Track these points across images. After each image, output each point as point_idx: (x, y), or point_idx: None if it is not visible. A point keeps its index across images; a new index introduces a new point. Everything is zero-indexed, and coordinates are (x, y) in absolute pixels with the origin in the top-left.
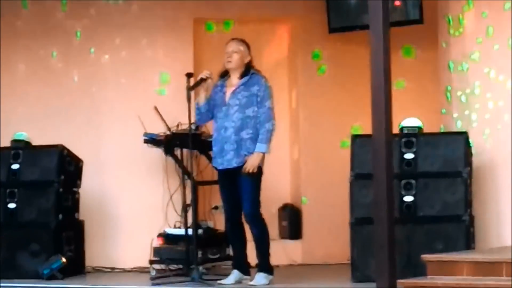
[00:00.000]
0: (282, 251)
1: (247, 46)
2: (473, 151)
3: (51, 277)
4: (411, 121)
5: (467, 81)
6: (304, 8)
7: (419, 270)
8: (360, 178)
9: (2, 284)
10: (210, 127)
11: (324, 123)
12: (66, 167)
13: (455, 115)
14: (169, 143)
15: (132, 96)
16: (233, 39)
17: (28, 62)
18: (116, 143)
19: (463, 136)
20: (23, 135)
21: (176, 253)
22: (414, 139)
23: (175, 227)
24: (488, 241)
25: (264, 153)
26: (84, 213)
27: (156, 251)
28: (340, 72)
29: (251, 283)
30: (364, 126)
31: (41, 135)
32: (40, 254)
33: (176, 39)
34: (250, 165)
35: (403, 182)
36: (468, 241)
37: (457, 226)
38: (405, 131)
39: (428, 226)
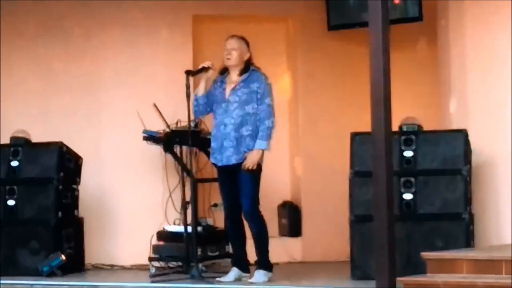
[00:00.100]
0: (281, 248)
1: (246, 43)
2: (473, 149)
3: (50, 274)
4: (411, 119)
5: (467, 79)
6: (304, 6)
7: (419, 268)
8: (359, 175)
9: (1, 281)
10: (209, 125)
11: (323, 120)
12: (66, 164)
13: (455, 112)
14: (168, 140)
15: (132, 93)
16: (232, 36)
17: (27, 60)
18: (115, 140)
19: (463, 133)
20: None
21: (175, 250)
22: (413, 137)
23: (174, 224)
24: (488, 239)
25: (263, 150)
26: (83, 211)
27: (156, 248)
28: (339, 70)
29: (251, 280)
30: (364, 124)
31: (40, 132)
32: (40, 251)
33: (175, 37)
34: (250, 161)
35: (403, 180)
36: (467, 239)
37: (456, 224)
38: (405, 129)
39: (427, 224)
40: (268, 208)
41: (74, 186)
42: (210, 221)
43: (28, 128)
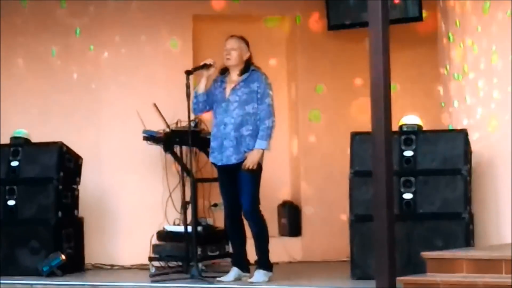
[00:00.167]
0: (281, 248)
1: (246, 42)
2: (473, 148)
3: (50, 274)
4: (411, 119)
5: (466, 78)
6: (304, 6)
7: (419, 267)
8: (359, 175)
9: (1, 281)
10: (209, 125)
11: (323, 120)
12: (66, 164)
13: (454, 111)
14: (168, 140)
15: (131, 93)
16: (231, 36)
17: (27, 59)
18: (115, 140)
19: (463, 133)
20: (23, 132)
21: (175, 250)
22: (413, 137)
23: (174, 224)
24: (488, 238)
25: (264, 150)
26: (83, 210)
27: (156, 248)
28: (339, 70)
29: (251, 280)
30: (364, 124)
31: (40, 132)
32: (40, 251)
33: (175, 36)
34: (250, 161)
35: (403, 179)
36: (467, 239)
37: (456, 223)
38: (405, 129)
39: (427, 224)
40: (268, 208)
41: (74, 186)
42: (210, 221)
43: (28, 128)
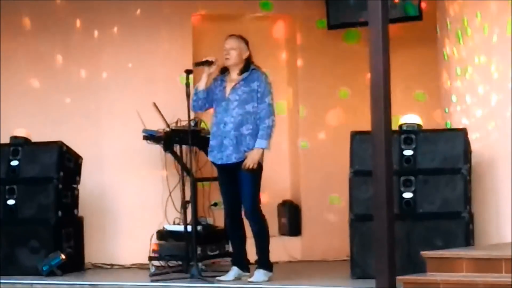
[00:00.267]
0: (281, 247)
1: (245, 42)
2: (473, 147)
3: (50, 274)
4: (411, 118)
5: (466, 78)
6: (303, 5)
7: (419, 266)
8: (359, 174)
9: (1, 281)
10: (209, 124)
11: (323, 119)
12: (66, 163)
13: (454, 111)
14: (168, 139)
15: (131, 92)
16: (230, 36)
17: (28, 58)
18: (115, 139)
19: (463, 132)
20: (23, 131)
21: (175, 250)
22: (413, 136)
23: (174, 223)
24: (488, 237)
25: (264, 149)
26: (83, 210)
27: (155, 247)
28: (339, 69)
29: (251, 279)
30: (364, 123)
31: (40, 132)
32: (40, 250)
33: (175, 36)
34: (250, 161)
35: (403, 178)
36: (467, 238)
37: (456, 222)
38: (405, 128)
39: (427, 223)
40: (268, 207)
41: (74, 186)
42: (210, 220)
43: (28, 127)
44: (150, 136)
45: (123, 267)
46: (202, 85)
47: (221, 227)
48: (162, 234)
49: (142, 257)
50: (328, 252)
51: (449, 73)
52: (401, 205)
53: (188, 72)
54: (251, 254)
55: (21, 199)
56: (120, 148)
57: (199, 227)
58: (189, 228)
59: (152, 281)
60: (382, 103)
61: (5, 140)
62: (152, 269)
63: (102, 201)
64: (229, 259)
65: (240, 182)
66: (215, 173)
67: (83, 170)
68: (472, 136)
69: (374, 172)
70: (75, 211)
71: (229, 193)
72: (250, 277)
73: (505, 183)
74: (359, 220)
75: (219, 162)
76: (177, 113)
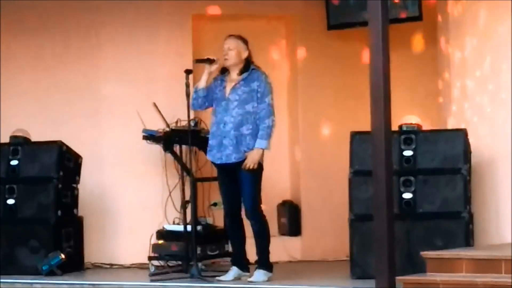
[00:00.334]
0: (281, 247)
1: (244, 41)
2: (472, 147)
3: (50, 273)
4: (410, 118)
5: (466, 77)
6: (303, 5)
7: (419, 267)
8: (359, 174)
9: (1, 280)
10: (209, 124)
11: (323, 119)
12: (65, 163)
13: (454, 111)
14: (168, 139)
15: (131, 92)
16: (228, 36)
17: (28, 58)
18: (115, 139)
19: (462, 132)
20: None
21: (175, 249)
22: (413, 136)
23: (174, 223)
24: (488, 238)
25: (264, 149)
26: (83, 210)
27: (155, 247)
28: (339, 69)
29: (250, 279)
30: (364, 123)
31: (40, 131)
32: (39, 250)
33: (175, 35)
34: (251, 161)
35: (403, 179)
36: (467, 238)
37: (456, 222)
38: (404, 128)
39: (427, 223)
40: (268, 207)
41: (74, 185)
42: (209, 220)
43: (27, 127)
44: (150, 136)
45: (123, 267)
46: (202, 83)
47: (221, 227)
48: (162, 234)
49: (141, 257)
50: (328, 252)
51: (449, 73)
52: (401, 205)
53: (188, 72)
54: (251, 254)
55: (21, 199)
56: (120, 148)
57: (199, 227)
58: (189, 228)
59: (152, 281)
60: (382, 103)
61: (5, 139)
62: (152, 269)
63: (102, 200)
64: (229, 259)
65: (241, 182)
66: (215, 173)
67: (83, 170)
68: (472, 136)
69: (374, 172)
70: (75, 210)
71: (229, 193)
72: (250, 277)
73: (505, 183)
74: (359, 220)
75: (218, 162)
76: (177, 113)
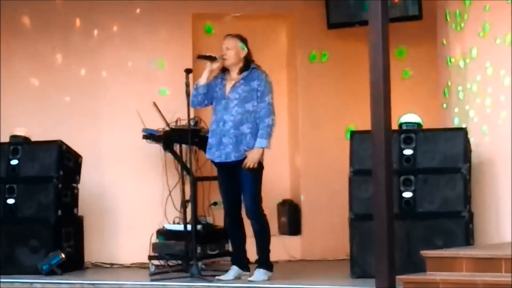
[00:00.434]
0: (281, 247)
1: (243, 40)
2: (472, 147)
3: (50, 273)
4: (410, 117)
5: (466, 77)
6: (303, 4)
7: (418, 266)
8: (359, 174)
9: (1, 280)
10: (209, 123)
11: (323, 119)
12: (65, 162)
13: (454, 111)
14: (168, 138)
15: (131, 91)
16: (227, 35)
17: (27, 57)
18: (115, 139)
19: (463, 132)
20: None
21: (175, 249)
22: (413, 135)
23: (174, 223)
24: (488, 237)
25: (264, 148)
26: (83, 209)
27: (155, 246)
28: (339, 68)
29: (250, 278)
30: (363, 122)
31: (40, 131)
32: (39, 249)
33: (175, 35)
34: (251, 160)
35: (402, 178)
36: (467, 237)
37: (456, 222)
38: (404, 127)
39: (427, 222)
40: (268, 207)
41: (74, 185)
42: (209, 220)
43: (27, 126)
44: (150, 135)
45: (123, 266)
46: (203, 80)
47: (221, 226)
48: (162, 233)
49: (142, 256)
50: (327, 251)
51: (449, 72)
52: (401, 205)
53: (188, 71)
54: (251, 253)
55: (20, 198)
56: (120, 147)
57: (199, 226)
58: (189, 227)
59: (152, 280)
60: (382, 102)
61: (5, 139)
62: (152, 268)
63: (102, 200)
64: (229, 258)
65: (241, 181)
66: (215, 172)
67: (83, 169)
68: (472, 135)
69: (374, 172)
70: (75, 210)
71: (229, 192)
72: (250, 276)
73: (505, 183)
74: (359, 219)
75: (217, 160)
76: (177, 112)
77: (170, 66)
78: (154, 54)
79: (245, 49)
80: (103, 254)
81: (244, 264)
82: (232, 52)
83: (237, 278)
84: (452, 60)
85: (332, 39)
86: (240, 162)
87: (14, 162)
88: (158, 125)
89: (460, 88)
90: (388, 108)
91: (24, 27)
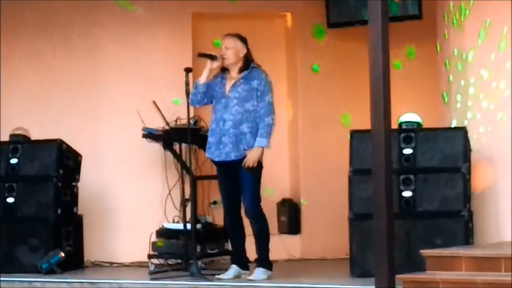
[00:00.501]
0: (281, 246)
1: (242, 39)
2: (472, 146)
3: (49, 272)
4: (410, 117)
5: (466, 76)
6: (303, 3)
7: (418, 265)
8: (359, 173)
9: (1, 279)
10: (208, 122)
11: (323, 117)
12: (65, 161)
13: (454, 110)
14: (168, 137)
15: (131, 90)
16: (226, 35)
17: (27, 56)
18: (115, 137)
19: (462, 131)
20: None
21: (175, 248)
22: (413, 135)
23: (173, 222)
24: (487, 236)
25: (264, 148)
26: (83, 208)
27: (155, 245)
28: (339, 68)
29: (250, 277)
30: (363, 121)
31: (40, 130)
32: (39, 248)
33: (175, 34)
34: (251, 159)
35: (402, 177)
36: (467, 236)
37: (456, 221)
38: (404, 126)
39: (427, 221)
40: (268, 206)
41: (74, 184)
42: (209, 219)
43: (27, 125)
44: (150, 134)
45: (123, 265)
46: (203, 79)
47: (221, 225)
48: (162, 232)
49: (141, 255)
50: (327, 250)
51: (450, 71)
52: (401, 204)
53: (188, 70)
54: (251, 252)
55: (20, 197)
56: (120, 146)
57: (198, 225)
58: (189, 226)
59: (152, 279)
60: (381, 101)
61: (5, 138)
62: (152, 267)
63: (102, 199)
64: (228, 257)
65: (240, 180)
66: (214, 171)
67: (83, 168)
68: (472, 135)
69: (374, 171)
70: (75, 209)
71: (229, 191)
72: (249, 275)
73: (505, 182)
74: (358, 218)
75: (217, 159)
76: (177, 111)
77: (170, 65)
78: (154, 53)
79: (245, 48)
80: (102, 253)
81: (243, 263)
82: (231, 51)
83: (237, 277)
84: (452, 59)
85: (332, 39)
86: (239, 161)
87: (13, 161)
88: (158, 124)
89: (459, 87)
90: (388, 108)
91: (24, 27)
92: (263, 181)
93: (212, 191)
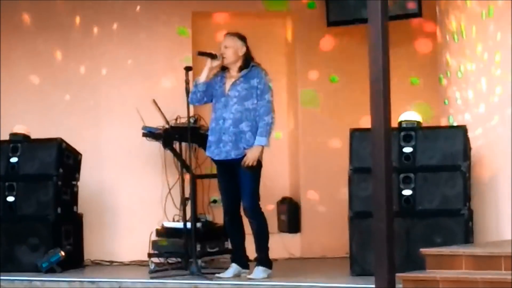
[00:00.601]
0: (280, 244)
1: (241, 38)
2: (472, 145)
3: (49, 271)
4: (410, 115)
5: (466, 75)
6: (303, 2)
7: (418, 264)
8: (359, 172)
9: (1, 278)
10: (208, 121)
11: (322, 116)
12: (65, 160)
13: (454, 108)
14: (167, 136)
15: (131, 89)
16: (225, 34)
17: (27, 55)
18: (115, 136)
19: (462, 129)
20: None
21: (175, 246)
22: (413, 133)
23: (173, 220)
24: (487, 235)
25: (263, 146)
26: (83, 207)
27: (155, 244)
28: (339, 66)
29: (250, 276)
30: (363, 120)
31: (40, 129)
32: (39, 247)
33: (175, 33)
34: (250, 158)
35: (402, 176)
36: (466, 235)
37: (456, 220)
38: (404, 125)
39: (427, 220)
40: (267, 205)
41: (74, 182)
42: (209, 217)
43: (27, 124)
44: (150, 133)
45: (123, 264)
46: (202, 77)
47: (221, 224)
48: (162, 231)
49: (141, 254)
50: (327, 249)
51: (449, 69)
52: (401, 203)
53: (188, 69)
54: (251, 251)
55: (20, 196)
56: (120, 145)
57: (198, 224)
58: (189, 225)
59: (152, 278)
60: (381, 100)
61: (5, 137)
62: (152, 266)
63: (102, 198)
64: (228, 256)
65: (240, 179)
66: (214, 170)
67: (83, 167)
68: (472, 133)
69: (374, 170)
70: (75, 208)
71: (228, 190)
72: (249, 274)
73: (505, 181)
74: (358, 217)
75: (217, 158)
76: (177, 110)
77: (170, 64)
78: (153, 52)
79: (244, 47)
80: (102, 252)
81: (243, 262)
82: (231, 50)
83: (237, 276)
84: (452, 58)
85: (332, 37)
86: (239, 160)
87: (13, 160)
88: (157, 123)
89: (460, 86)
90: (387, 106)
91: (24, 25)
92: (262, 180)
93: (212, 190)
